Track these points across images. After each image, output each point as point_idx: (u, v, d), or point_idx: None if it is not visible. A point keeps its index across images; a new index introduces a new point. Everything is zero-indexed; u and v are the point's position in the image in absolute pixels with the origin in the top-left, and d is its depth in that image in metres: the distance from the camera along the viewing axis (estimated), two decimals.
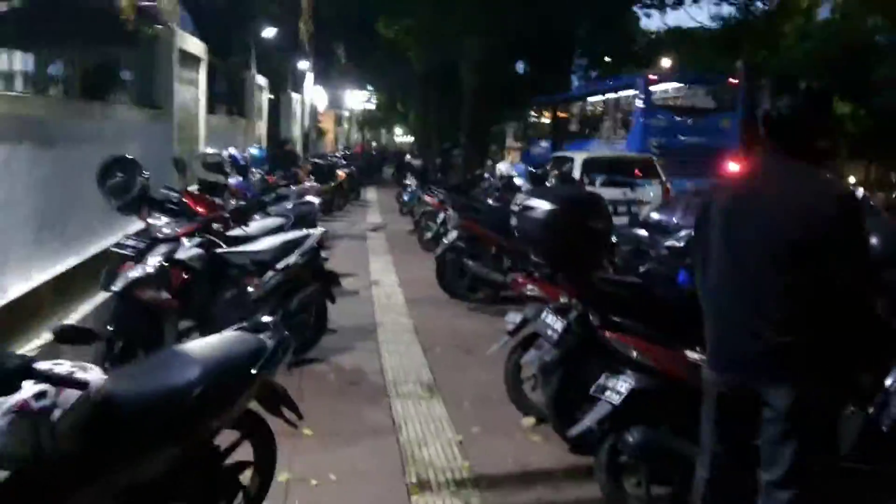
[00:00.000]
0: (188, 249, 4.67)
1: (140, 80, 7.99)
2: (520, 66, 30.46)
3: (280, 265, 5.09)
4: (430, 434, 4.18)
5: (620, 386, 3.10)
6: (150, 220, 4.45)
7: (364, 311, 7.04)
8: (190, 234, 4.65)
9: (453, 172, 21.59)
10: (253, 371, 2.62)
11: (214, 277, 4.84)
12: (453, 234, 7.71)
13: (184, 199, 5.91)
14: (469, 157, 15.79)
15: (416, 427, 4.25)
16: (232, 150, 9.53)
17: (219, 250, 4.83)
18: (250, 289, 4.98)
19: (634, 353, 3.15)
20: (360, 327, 6.40)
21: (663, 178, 12.46)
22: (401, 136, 64.01)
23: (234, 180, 8.03)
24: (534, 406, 4.33)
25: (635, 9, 25.09)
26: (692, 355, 3.14)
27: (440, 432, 4.21)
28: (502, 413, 4.43)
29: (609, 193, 9.96)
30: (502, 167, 11.58)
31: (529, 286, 4.24)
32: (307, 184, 11.89)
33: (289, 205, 8.54)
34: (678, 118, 14.60)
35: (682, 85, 15.57)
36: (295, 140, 22.59)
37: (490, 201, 11.16)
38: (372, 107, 41.87)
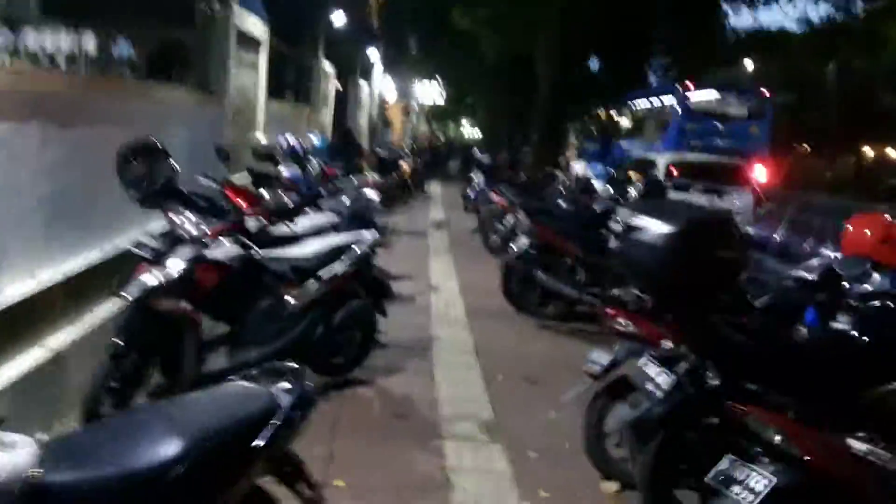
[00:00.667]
0: (224, 247, 4.01)
1: (198, 62, 7.46)
2: (593, 64, 29.31)
3: (325, 274, 4.40)
4: (487, 495, 3.41)
5: (755, 481, 2.27)
6: (172, 217, 3.80)
7: (419, 323, 6.33)
8: (221, 235, 3.99)
9: (521, 170, 20.79)
10: (257, 444, 1.91)
11: (248, 285, 4.18)
12: (524, 241, 6.91)
13: (224, 192, 5.30)
14: (540, 155, 14.81)
15: (471, 484, 3.49)
16: (289, 138, 8.94)
17: (254, 253, 4.16)
18: (289, 299, 4.30)
19: (777, 438, 2.32)
20: (414, 343, 5.69)
21: (755, 186, 11.38)
22: (468, 131, 63.25)
23: (287, 171, 7.41)
24: (618, 467, 3.52)
25: (724, 4, 23.57)
26: (858, 446, 2.29)
27: (501, 494, 3.44)
28: (577, 472, 3.63)
29: (694, 201, 9.06)
30: (577, 167, 10.68)
31: (622, 320, 3.42)
32: (368, 176, 11.26)
33: (345, 199, 7.89)
34: (712, 123, 15.18)
35: (716, 93, 15.99)
36: (361, 130, 22.09)
37: (562, 203, 10.33)
38: (441, 101, 41.22)
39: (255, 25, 8.74)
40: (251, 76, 8.77)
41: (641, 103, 18.84)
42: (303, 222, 5.83)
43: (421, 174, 17.68)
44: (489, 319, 6.70)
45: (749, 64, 37.60)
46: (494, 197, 10.07)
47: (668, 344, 2.99)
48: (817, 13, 29.20)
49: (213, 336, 4.11)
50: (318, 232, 5.71)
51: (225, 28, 7.49)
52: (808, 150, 35.76)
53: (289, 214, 5.33)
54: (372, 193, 8.35)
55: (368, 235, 4.85)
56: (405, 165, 15.03)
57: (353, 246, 4.66)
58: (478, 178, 13.94)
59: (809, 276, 3.66)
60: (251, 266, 4.13)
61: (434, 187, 21.63)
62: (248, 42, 8.45)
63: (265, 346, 4.14)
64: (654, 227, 2.73)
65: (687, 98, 15.31)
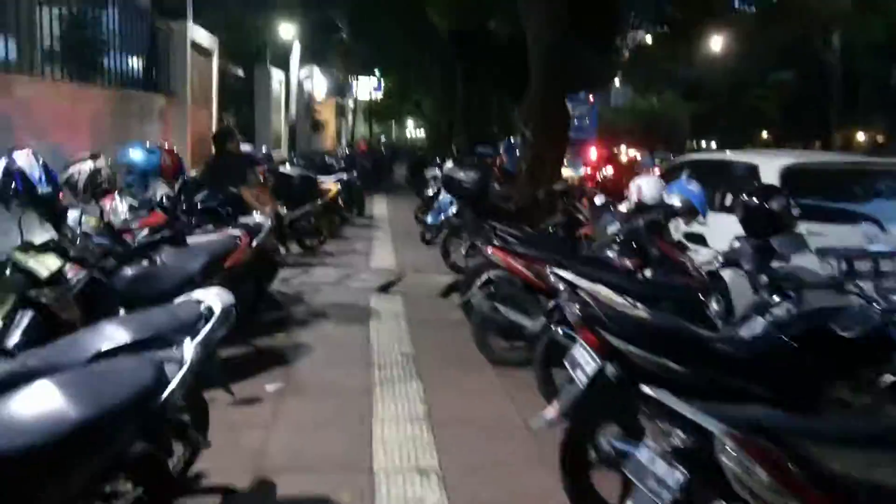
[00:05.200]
0: None
1: None
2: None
3: None
4: None
5: None
6: None
7: None
8: None
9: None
10: None
11: None
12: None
13: None
14: (539, 163, 9.50)
15: None
16: (20, 158, 3.71)
17: None
18: None
19: None
20: None
21: None
22: (413, 130, 57.95)
23: None
24: None
25: None
26: None
27: None
28: None
29: (836, 237, 4.18)
30: (647, 187, 5.56)
31: None
32: (257, 218, 6.10)
33: (146, 318, 2.69)
34: None
35: None
36: (277, 135, 16.74)
37: (614, 260, 5.31)
38: (380, 95, 35.93)
39: None
40: None
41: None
42: None
43: (357, 190, 12.62)
44: None
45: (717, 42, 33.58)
46: (502, 257, 4.97)
47: None
48: None
49: None
50: None
51: None
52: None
53: None
54: (224, 297, 3.10)
55: None
56: (330, 185, 9.87)
57: None
58: (444, 203, 8.87)
59: None
60: None
61: (378, 204, 16.51)
62: None
63: None
64: None
65: None
